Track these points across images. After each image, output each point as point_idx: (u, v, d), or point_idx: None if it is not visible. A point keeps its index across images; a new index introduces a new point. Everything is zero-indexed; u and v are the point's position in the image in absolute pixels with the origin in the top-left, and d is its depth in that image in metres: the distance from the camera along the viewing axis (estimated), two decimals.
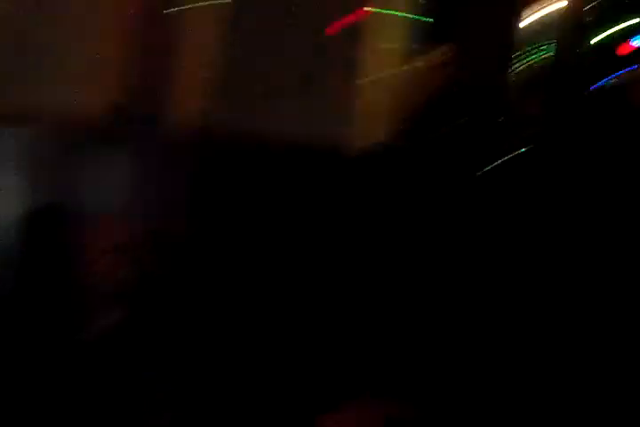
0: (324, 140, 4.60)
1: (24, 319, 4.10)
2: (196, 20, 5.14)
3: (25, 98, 4.52)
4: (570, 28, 5.57)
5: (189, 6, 4.87)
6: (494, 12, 5.43)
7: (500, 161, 4.94)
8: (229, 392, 4.03)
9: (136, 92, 4.84)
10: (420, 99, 5.35)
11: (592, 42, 5.57)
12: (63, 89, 4.64)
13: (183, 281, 4.35)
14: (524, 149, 5.01)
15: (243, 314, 4.24)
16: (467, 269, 4.34)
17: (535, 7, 5.58)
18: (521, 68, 5.53)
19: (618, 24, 5.58)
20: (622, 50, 5.39)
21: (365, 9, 4.97)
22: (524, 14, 5.56)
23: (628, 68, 5.30)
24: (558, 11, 5.52)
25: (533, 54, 5.57)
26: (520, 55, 5.55)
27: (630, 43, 5.44)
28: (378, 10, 5.04)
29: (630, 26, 5.54)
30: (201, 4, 5.12)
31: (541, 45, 5.59)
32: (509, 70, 5.48)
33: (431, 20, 5.27)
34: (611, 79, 5.30)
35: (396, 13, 5.20)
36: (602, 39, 5.57)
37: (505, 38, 5.59)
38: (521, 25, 5.58)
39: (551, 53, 5.56)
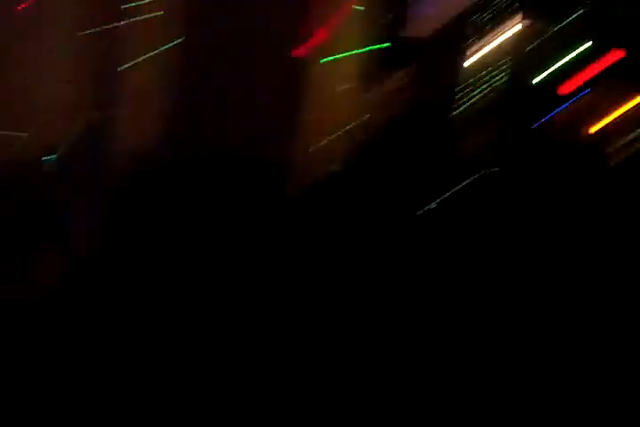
0: (270, 164, 4.65)
1: None
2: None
3: None
4: (517, 62, 5.76)
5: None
6: (443, 46, 5.60)
7: (450, 191, 5.11)
8: None
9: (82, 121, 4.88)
10: (372, 124, 5.48)
11: (539, 76, 5.78)
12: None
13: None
14: (472, 178, 5.19)
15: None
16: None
17: (484, 42, 5.77)
18: (470, 99, 5.70)
19: (562, 59, 5.80)
20: (565, 85, 5.60)
21: (321, 36, 5.05)
22: (473, 49, 5.74)
23: (570, 102, 5.52)
24: (504, 48, 5.71)
25: (483, 86, 5.75)
26: (470, 87, 5.71)
27: (572, 78, 5.65)
28: (332, 36, 5.12)
29: (572, 61, 5.77)
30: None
31: (490, 78, 5.77)
32: (459, 102, 5.64)
33: (388, 45, 5.38)
34: (555, 113, 5.51)
35: (352, 41, 5.29)
36: (548, 74, 5.78)
37: (455, 71, 5.74)
38: (470, 59, 5.76)
39: (500, 86, 5.74)
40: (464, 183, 5.08)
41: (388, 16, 5.51)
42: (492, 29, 5.69)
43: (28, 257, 4.25)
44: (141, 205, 4.44)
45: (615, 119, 5.50)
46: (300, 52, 4.80)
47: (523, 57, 5.68)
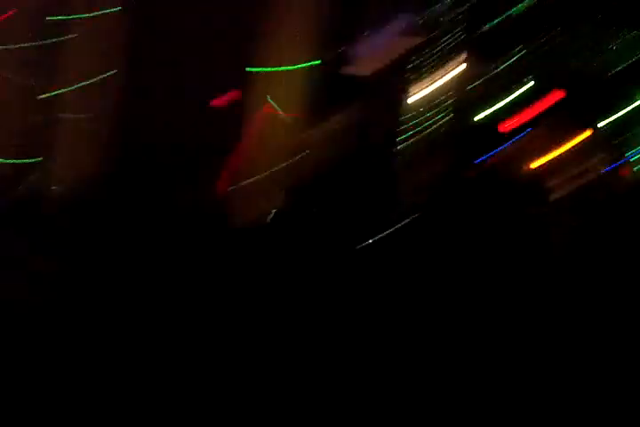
0: (211, 210, 4.59)
1: None
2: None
3: None
4: (460, 101, 5.82)
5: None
6: (386, 85, 5.65)
7: (389, 229, 5.12)
8: None
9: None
10: (314, 165, 5.49)
11: (478, 116, 5.85)
12: None
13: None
14: (412, 217, 5.20)
15: None
16: None
17: (429, 81, 5.83)
18: (412, 139, 5.73)
19: (502, 100, 5.88)
20: (507, 124, 5.67)
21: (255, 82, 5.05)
22: (418, 88, 5.80)
23: (512, 141, 5.59)
24: (447, 87, 5.78)
25: (426, 124, 5.79)
26: (413, 125, 5.76)
27: (514, 117, 5.73)
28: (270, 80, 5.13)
29: (512, 102, 5.85)
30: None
31: (434, 116, 5.82)
32: (400, 141, 5.68)
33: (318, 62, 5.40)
34: (497, 151, 5.56)
35: (291, 82, 5.30)
36: (490, 113, 5.84)
37: (399, 109, 5.78)
38: (414, 98, 5.81)
39: (443, 124, 5.79)
40: (405, 221, 5.10)
41: (333, 54, 5.56)
42: (436, 69, 5.77)
43: None
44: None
45: (555, 157, 5.58)
46: (222, 100, 4.79)
47: (466, 96, 5.75)
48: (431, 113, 5.74)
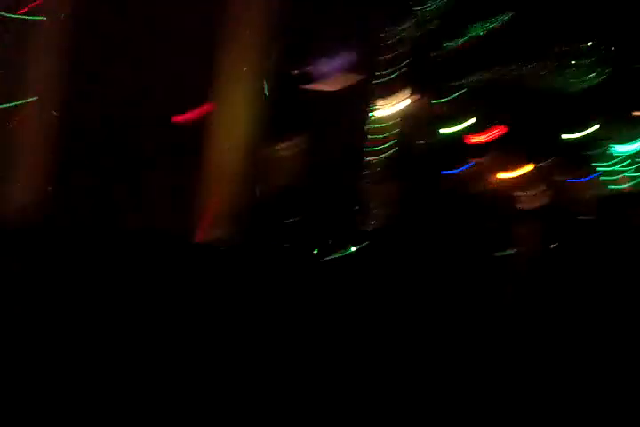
0: (162, 231, 4.54)
1: None
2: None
3: None
4: (419, 121, 5.98)
5: None
6: (346, 104, 5.77)
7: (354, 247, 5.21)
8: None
9: None
10: (273, 187, 5.57)
11: (440, 135, 6.01)
12: None
13: None
14: (376, 235, 5.30)
15: None
16: None
17: (389, 101, 5.97)
18: (375, 156, 5.86)
19: (465, 120, 6.06)
20: (453, 155, 5.85)
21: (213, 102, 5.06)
22: (376, 106, 5.93)
23: (456, 172, 5.76)
24: (409, 105, 5.92)
25: (374, 153, 5.93)
26: (361, 153, 5.88)
27: (458, 150, 5.90)
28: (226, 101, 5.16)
29: (473, 122, 6.03)
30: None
31: (393, 135, 5.96)
32: (363, 158, 5.79)
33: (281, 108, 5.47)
34: (441, 181, 5.71)
35: (247, 106, 5.34)
36: (448, 133, 6.02)
37: (359, 129, 5.89)
38: (362, 127, 5.94)
39: (403, 144, 5.92)
40: (371, 236, 5.21)
41: (290, 73, 5.68)
42: (387, 98, 5.92)
43: None
44: None
45: (497, 188, 5.77)
46: (186, 117, 4.82)
47: (412, 127, 5.92)
48: (379, 144, 5.89)
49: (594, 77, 6.05)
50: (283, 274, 4.62)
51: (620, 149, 7.00)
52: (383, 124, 5.93)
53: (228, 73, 5.00)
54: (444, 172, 5.77)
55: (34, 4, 4.64)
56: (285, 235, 5.15)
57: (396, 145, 5.84)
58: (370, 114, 5.83)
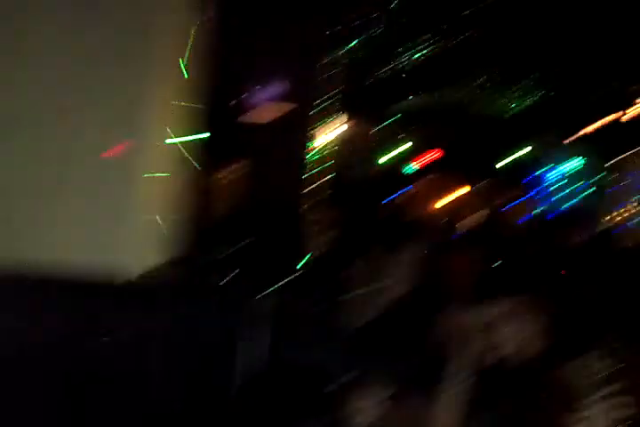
0: (94, 269, 4.44)
1: None
2: None
3: None
4: (357, 149, 6.04)
5: None
6: (286, 132, 5.81)
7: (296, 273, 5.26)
8: None
9: None
10: (211, 216, 5.59)
11: (378, 162, 6.09)
12: None
13: None
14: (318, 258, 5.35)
15: None
16: None
17: (327, 128, 6.02)
18: (315, 182, 5.90)
19: (399, 147, 6.14)
20: (389, 180, 5.93)
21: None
22: (315, 134, 5.98)
23: (393, 197, 5.83)
24: (347, 133, 5.98)
25: (326, 170, 5.98)
26: (313, 171, 5.93)
27: (394, 174, 5.98)
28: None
29: (408, 149, 6.12)
30: None
31: (319, 171, 6.01)
32: (302, 184, 5.84)
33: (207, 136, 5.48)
34: (378, 206, 5.79)
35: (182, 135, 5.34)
36: (386, 160, 6.10)
37: (298, 156, 5.93)
38: (311, 144, 5.99)
39: (340, 171, 5.98)
40: (310, 263, 5.25)
41: (226, 104, 5.70)
42: (324, 124, 5.96)
43: None
44: None
45: (433, 212, 5.86)
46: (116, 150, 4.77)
47: (349, 154, 5.98)
48: (316, 168, 5.93)
49: (528, 102, 6.17)
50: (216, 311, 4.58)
51: (553, 171, 7.18)
52: (320, 152, 5.98)
53: (157, 106, 4.95)
54: (381, 198, 5.84)
55: None
56: (220, 266, 5.15)
57: (333, 172, 5.90)
58: (307, 142, 5.88)
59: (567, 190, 7.18)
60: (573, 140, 7.21)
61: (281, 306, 4.49)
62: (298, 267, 5.11)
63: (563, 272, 5.07)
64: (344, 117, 6.17)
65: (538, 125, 6.29)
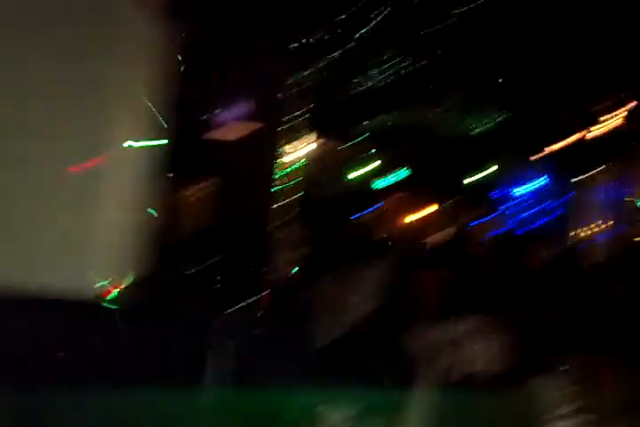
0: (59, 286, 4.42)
1: None
2: None
3: None
4: (326, 166, 6.09)
5: None
6: (254, 150, 5.84)
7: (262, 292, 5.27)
8: None
9: None
10: (179, 233, 5.59)
11: (346, 179, 6.15)
12: None
13: None
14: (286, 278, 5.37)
15: None
16: None
17: (294, 146, 6.07)
18: (283, 199, 5.94)
19: (368, 164, 6.20)
20: (356, 198, 5.99)
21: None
22: (282, 152, 6.01)
23: (363, 213, 5.89)
24: (316, 151, 6.03)
25: (295, 188, 6.01)
26: (282, 188, 5.96)
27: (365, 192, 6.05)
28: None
29: (377, 167, 6.18)
30: None
31: (302, 180, 6.05)
32: (271, 202, 5.87)
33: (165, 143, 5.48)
34: (349, 223, 5.84)
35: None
36: (354, 178, 6.16)
37: (266, 173, 5.95)
38: (280, 162, 6.02)
39: (310, 188, 6.02)
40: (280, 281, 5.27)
41: (195, 121, 5.71)
42: (292, 143, 6.01)
43: None
44: None
45: (402, 229, 5.93)
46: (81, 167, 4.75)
47: (318, 172, 6.04)
48: (296, 178, 5.98)
49: (494, 120, 6.26)
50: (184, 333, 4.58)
51: (519, 190, 7.28)
52: (289, 170, 6.02)
53: (125, 124, 4.94)
54: (349, 215, 5.89)
55: None
56: (188, 284, 5.15)
57: (301, 189, 5.94)
58: (276, 159, 5.91)
59: (533, 208, 7.29)
60: (539, 159, 7.33)
61: (249, 323, 4.49)
62: (266, 284, 5.13)
63: (527, 290, 5.13)
64: (313, 135, 6.26)
65: (504, 144, 6.38)
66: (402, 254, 5.56)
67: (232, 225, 5.91)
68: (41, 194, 4.80)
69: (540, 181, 7.35)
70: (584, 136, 7.25)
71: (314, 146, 6.21)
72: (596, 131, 7.29)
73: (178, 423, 4.21)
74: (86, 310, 4.40)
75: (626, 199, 7.56)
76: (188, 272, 5.59)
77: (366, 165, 6.20)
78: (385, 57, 5.87)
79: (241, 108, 6.10)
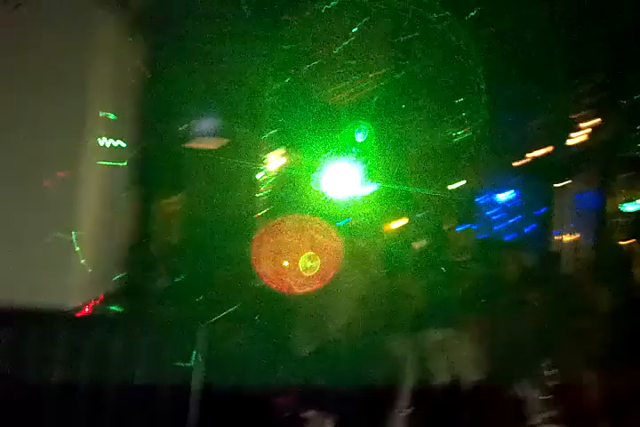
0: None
1: None
2: None
3: None
4: (298, 179, 6.06)
5: None
6: (222, 166, 5.83)
7: None
8: None
9: None
10: (154, 247, 5.58)
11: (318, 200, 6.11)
12: None
13: None
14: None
15: None
16: None
17: (266, 160, 6.03)
18: (256, 214, 5.91)
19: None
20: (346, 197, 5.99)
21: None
22: (253, 165, 5.99)
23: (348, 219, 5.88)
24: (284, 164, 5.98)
25: (266, 202, 5.99)
26: (253, 203, 5.94)
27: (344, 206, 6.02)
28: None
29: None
30: None
31: (271, 194, 6.04)
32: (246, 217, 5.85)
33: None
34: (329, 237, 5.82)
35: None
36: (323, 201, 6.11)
37: (237, 188, 5.94)
38: (252, 176, 5.99)
39: (281, 201, 5.98)
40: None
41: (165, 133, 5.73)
42: (262, 157, 6.02)
43: None
44: None
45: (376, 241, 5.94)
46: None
47: (291, 186, 6.05)
48: (269, 192, 6.00)
49: (473, 129, 6.28)
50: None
51: (499, 197, 7.31)
52: (262, 183, 6.04)
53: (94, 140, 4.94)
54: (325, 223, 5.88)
55: None
56: (166, 296, 5.16)
57: (274, 203, 5.96)
58: (247, 173, 5.93)
59: (512, 216, 7.31)
60: (518, 166, 7.36)
61: (227, 333, 4.50)
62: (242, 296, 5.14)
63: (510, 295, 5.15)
64: (282, 151, 6.28)
65: (483, 153, 6.40)
66: (379, 263, 5.58)
67: (207, 238, 5.90)
68: (18, 208, 4.80)
69: (519, 190, 7.39)
70: (564, 144, 7.30)
71: (284, 160, 6.29)
72: (576, 138, 7.33)
73: None
74: (67, 323, 4.40)
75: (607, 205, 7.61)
76: (168, 284, 5.60)
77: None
78: (360, 69, 5.89)
79: (207, 124, 6.10)
